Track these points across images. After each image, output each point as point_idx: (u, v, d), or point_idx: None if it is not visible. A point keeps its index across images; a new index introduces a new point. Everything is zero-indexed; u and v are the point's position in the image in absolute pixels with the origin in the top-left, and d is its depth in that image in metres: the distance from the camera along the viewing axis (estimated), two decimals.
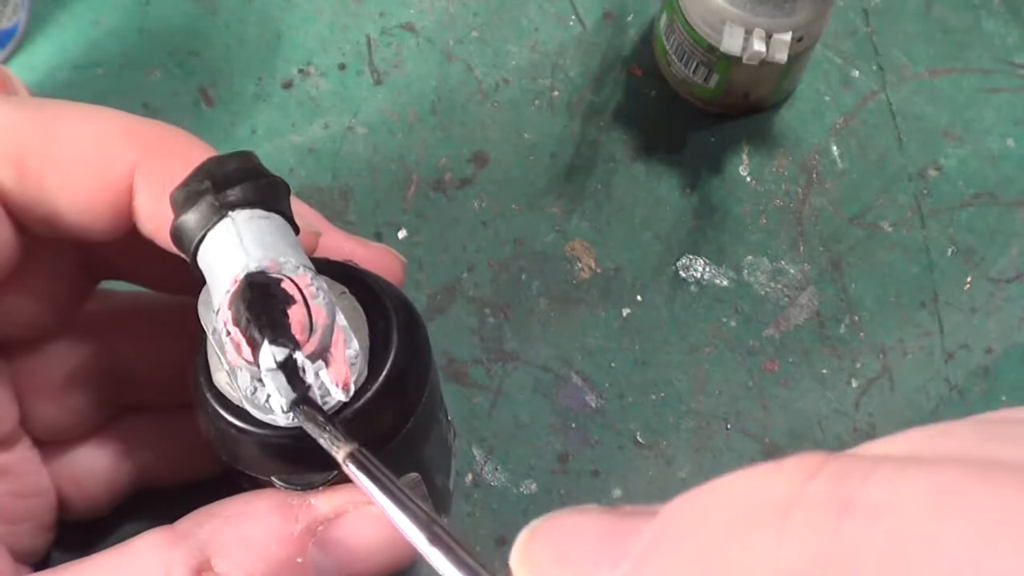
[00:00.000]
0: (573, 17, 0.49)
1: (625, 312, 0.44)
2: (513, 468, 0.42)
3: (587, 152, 0.46)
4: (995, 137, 0.47)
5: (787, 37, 0.41)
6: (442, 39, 0.48)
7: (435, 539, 0.19)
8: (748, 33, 0.41)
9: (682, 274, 0.45)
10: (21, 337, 0.29)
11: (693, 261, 0.45)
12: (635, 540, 0.16)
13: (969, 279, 0.45)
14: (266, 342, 0.22)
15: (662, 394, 0.43)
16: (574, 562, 0.16)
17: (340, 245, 0.30)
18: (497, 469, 0.42)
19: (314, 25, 0.48)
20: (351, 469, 0.22)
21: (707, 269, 0.45)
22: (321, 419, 0.23)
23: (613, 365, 0.44)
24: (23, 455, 0.31)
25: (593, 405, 0.43)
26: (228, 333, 0.22)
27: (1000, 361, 0.44)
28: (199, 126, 0.47)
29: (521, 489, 0.42)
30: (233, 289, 0.22)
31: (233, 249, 0.23)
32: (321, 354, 0.23)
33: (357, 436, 0.23)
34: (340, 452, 0.22)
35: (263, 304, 0.22)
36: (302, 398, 0.23)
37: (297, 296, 0.23)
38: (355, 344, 0.24)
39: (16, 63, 0.47)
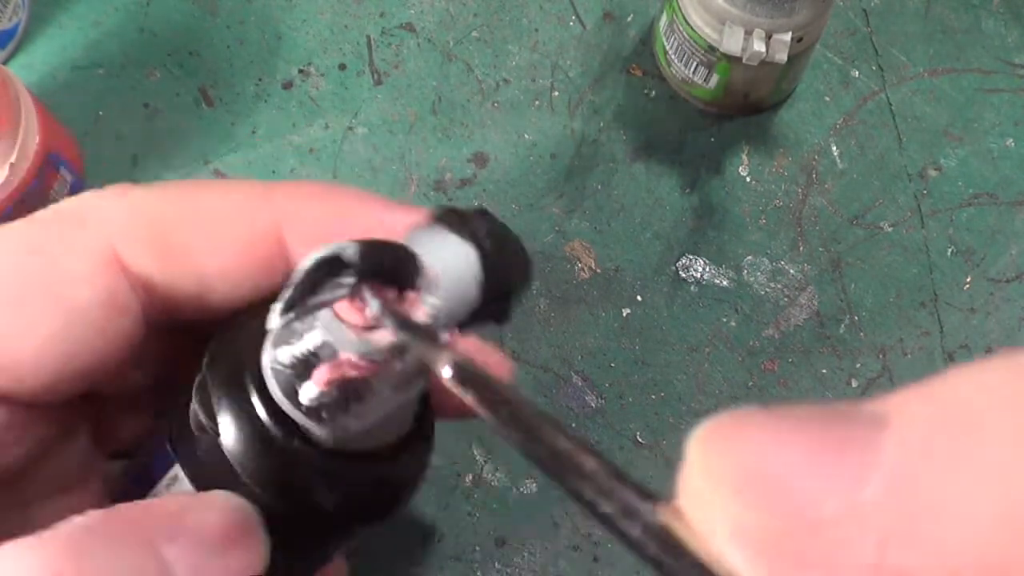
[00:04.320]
0: (573, 17, 0.49)
1: (625, 312, 0.44)
2: (513, 468, 0.42)
3: (587, 152, 0.46)
4: (995, 137, 0.47)
5: (787, 37, 0.41)
6: (442, 39, 0.48)
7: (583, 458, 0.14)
8: (748, 33, 0.41)
9: (682, 274, 0.45)
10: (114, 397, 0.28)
11: (693, 261, 0.45)
12: (870, 456, 0.12)
13: (969, 279, 0.45)
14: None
15: (662, 394, 0.43)
16: (793, 488, 0.12)
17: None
18: (497, 469, 0.42)
19: (314, 25, 0.48)
20: (455, 383, 0.17)
21: (707, 269, 0.45)
22: (409, 321, 0.20)
23: (613, 365, 0.44)
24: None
25: (593, 405, 0.43)
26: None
27: None
28: (199, 126, 0.47)
29: (521, 489, 0.42)
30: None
31: (451, 247, 0.21)
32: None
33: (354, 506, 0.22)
34: (441, 359, 0.18)
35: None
36: (389, 306, 0.20)
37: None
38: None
39: (16, 63, 0.47)
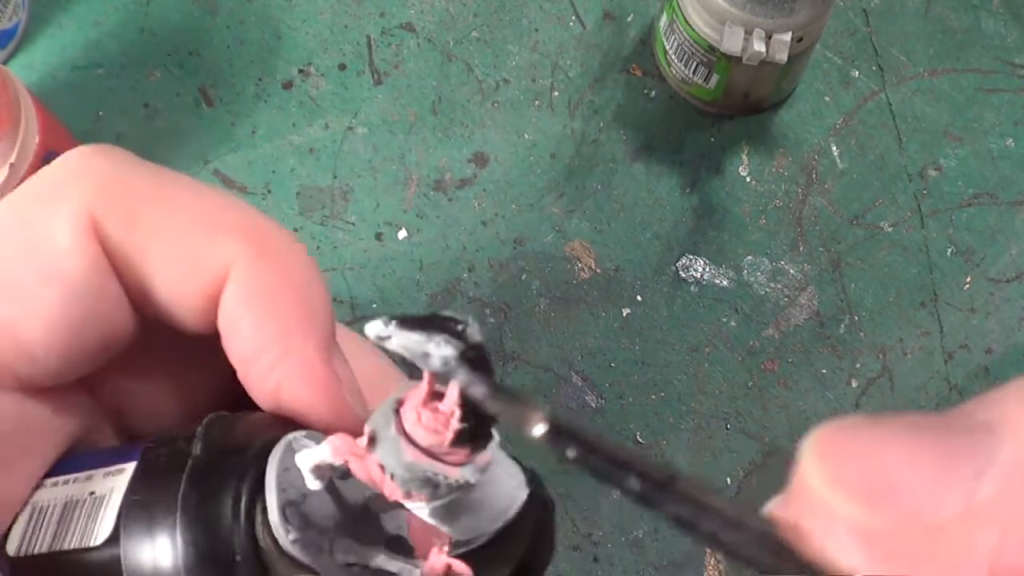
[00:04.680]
0: (573, 17, 0.49)
1: (625, 312, 0.44)
2: None
3: (587, 152, 0.46)
4: (995, 137, 0.47)
5: (787, 37, 0.41)
6: (442, 39, 0.48)
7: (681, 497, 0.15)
8: (748, 33, 0.41)
9: (682, 274, 0.45)
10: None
11: (693, 261, 0.45)
12: (984, 459, 0.13)
13: (969, 279, 0.45)
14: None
15: (662, 394, 0.43)
16: (913, 492, 0.13)
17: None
18: None
19: (314, 25, 0.48)
20: (550, 437, 0.17)
21: (707, 269, 0.45)
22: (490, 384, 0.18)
23: (613, 365, 0.44)
24: None
25: (593, 405, 0.43)
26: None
27: (1000, 361, 0.44)
28: (199, 126, 0.47)
29: None
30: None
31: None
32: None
33: None
34: (534, 417, 0.16)
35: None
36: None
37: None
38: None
39: (16, 63, 0.47)
